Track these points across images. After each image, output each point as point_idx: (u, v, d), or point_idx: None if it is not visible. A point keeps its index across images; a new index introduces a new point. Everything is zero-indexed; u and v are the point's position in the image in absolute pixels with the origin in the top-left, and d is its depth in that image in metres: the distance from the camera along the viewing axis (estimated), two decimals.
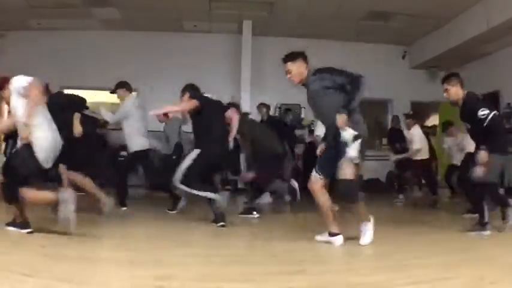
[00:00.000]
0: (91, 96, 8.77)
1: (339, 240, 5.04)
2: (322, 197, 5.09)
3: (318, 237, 5.24)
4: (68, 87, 10.33)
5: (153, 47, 13.46)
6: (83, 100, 7.23)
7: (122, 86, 8.07)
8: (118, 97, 8.11)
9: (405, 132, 10.32)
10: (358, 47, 13.69)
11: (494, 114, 5.60)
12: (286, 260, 4.50)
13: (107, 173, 8.56)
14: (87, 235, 5.44)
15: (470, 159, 6.52)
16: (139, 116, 7.87)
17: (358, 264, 4.35)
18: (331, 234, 5.06)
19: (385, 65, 13.66)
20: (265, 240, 5.56)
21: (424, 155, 9.62)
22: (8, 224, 5.15)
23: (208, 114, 6.52)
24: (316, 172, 5.13)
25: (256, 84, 12.76)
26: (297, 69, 5.69)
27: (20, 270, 3.56)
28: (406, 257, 4.58)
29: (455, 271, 4.02)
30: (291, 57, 5.69)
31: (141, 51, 13.22)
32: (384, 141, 13.03)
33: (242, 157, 9.71)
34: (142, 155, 7.80)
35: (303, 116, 13.30)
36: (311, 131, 11.18)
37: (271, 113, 11.55)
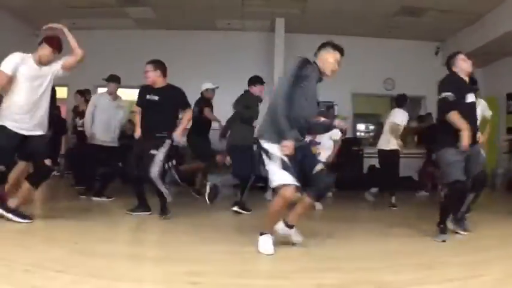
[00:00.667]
0: (126, 95, 8.86)
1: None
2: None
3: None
4: (102, 86, 10.43)
5: (186, 45, 13.58)
6: None
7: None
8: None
9: None
10: (391, 44, 13.57)
11: None
12: (318, 257, 4.51)
13: None
14: (120, 232, 5.53)
15: None
16: None
17: (391, 261, 4.34)
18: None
19: (418, 61, 13.53)
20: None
21: None
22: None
23: None
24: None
25: None
26: None
27: (53, 266, 3.62)
28: (439, 255, 4.58)
29: (487, 268, 4.02)
30: None
31: (174, 49, 13.28)
32: (417, 138, 12.90)
33: None
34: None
35: (336, 113, 13.25)
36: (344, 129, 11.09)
37: None
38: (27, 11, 11.99)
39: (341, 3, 11.37)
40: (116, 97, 8.48)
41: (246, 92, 7.80)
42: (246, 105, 7.54)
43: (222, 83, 9.16)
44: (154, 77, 6.81)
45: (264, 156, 4.55)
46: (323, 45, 5.08)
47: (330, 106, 11.66)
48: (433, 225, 5.48)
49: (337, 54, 5.07)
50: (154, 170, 6.31)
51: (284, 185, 4.36)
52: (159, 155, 6.37)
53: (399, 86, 13.55)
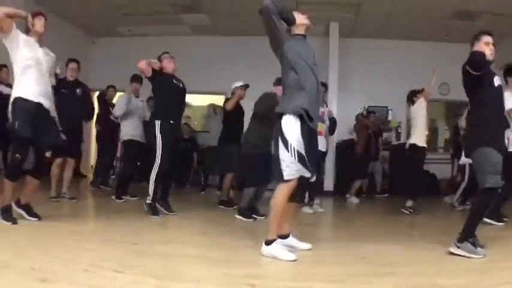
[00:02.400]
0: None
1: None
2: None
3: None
4: None
5: (242, 51, 13.68)
6: None
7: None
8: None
9: None
10: (445, 48, 13.29)
11: None
12: (373, 262, 4.50)
13: None
14: (176, 233, 5.62)
15: None
16: None
17: (446, 266, 4.30)
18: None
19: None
20: (349, 241, 5.58)
21: None
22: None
23: None
24: None
25: (344, 86, 12.70)
26: None
27: (112, 266, 3.69)
28: (490, 260, 4.51)
29: None
30: None
31: (229, 55, 13.44)
32: None
33: None
34: None
35: (390, 118, 13.15)
36: (398, 134, 10.97)
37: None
38: (84, 19, 12.30)
39: (395, 7, 11.27)
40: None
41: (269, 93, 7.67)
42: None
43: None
44: None
45: (280, 142, 4.46)
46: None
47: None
48: (482, 232, 5.39)
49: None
50: None
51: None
52: None
53: (454, 90, 13.36)
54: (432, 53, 13.23)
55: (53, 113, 5.57)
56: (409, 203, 8.32)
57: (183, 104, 7.31)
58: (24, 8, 5.38)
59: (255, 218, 6.98)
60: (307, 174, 4.50)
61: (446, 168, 11.63)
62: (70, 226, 5.34)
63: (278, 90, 7.40)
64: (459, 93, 12.05)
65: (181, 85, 7.13)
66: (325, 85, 8.22)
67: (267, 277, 3.78)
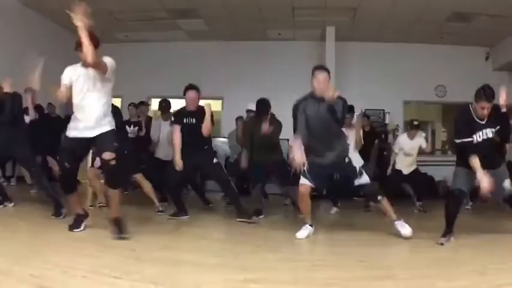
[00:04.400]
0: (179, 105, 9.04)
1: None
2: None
3: (299, 235, 5.80)
4: (156, 97, 10.65)
5: (238, 56, 13.72)
6: None
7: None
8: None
9: None
10: (442, 50, 13.36)
11: None
12: (373, 265, 4.52)
13: None
14: (176, 239, 5.62)
15: None
16: None
17: (445, 269, 4.30)
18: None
19: (469, 67, 13.20)
20: (348, 246, 5.58)
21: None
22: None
23: None
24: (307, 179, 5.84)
25: (340, 90, 12.56)
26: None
27: (110, 273, 3.69)
28: (490, 261, 4.52)
29: None
30: None
31: (226, 60, 13.47)
32: None
33: None
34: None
35: (387, 121, 13.15)
36: (396, 137, 10.94)
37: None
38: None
39: (391, 10, 11.30)
40: None
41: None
42: None
43: (273, 93, 9.16)
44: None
45: None
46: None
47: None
48: (481, 234, 5.47)
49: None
50: None
51: (301, 184, 5.81)
52: None
53: (450, 92, 13.41)
54: (428, 55, 13.30)
55: None
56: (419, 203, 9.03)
57: None
58: (12, 7, 5.41)
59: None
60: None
61: (444, 170, 11.62)
62: (69, 233, 5.34)
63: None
64: (455, 95, 12.17)
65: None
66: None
67: (267, 281, 3.77)
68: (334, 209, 8.63)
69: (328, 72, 5.76)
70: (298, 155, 5.48)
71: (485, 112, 5.44)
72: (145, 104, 10.60)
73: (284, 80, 12.74)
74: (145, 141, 9.08)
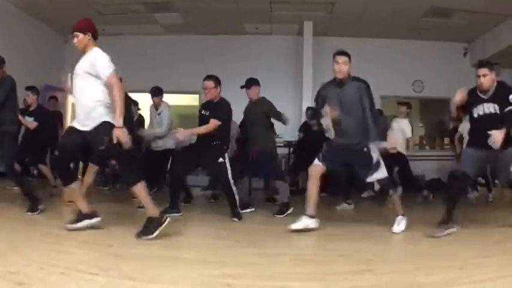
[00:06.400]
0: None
1: (314, 223, 5.85)
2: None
3: (293, 226, 5.76)
4: (132, 91, 10.53)
5: (215, 50, 13.64)
6: None
7: (162, 93, 8.77)
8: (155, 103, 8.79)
9: None
10: (419, 45, 13.43)
11: None
12: (352, 260, 4.52)
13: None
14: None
15: None
16: None
17: (425, 263, 4.31)
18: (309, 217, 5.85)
19: (447, 63, 13.33)
20: (329, 240, 5.58)
21: None
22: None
23: None
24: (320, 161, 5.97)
25: (318, 85, 12.63)
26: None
27: (88, 269, 3.66)
28: (470, 256, 4.57)
29: None
30: None
31: (203, 54, 13.37)
32: (446, 140, 12.82)
33: None
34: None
35: None
36: None
37: None
38: (56, 18, 12.14)
39: (369, 6, 11.31)
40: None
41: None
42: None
43: None
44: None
45: None
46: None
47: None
48: (465, 227, 5.50)
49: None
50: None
51: (313, 164, 5.93)
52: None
53: (428, 88, 13.48)
54: (406, 50, 13.37)
55: None
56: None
57: None
58: (7, 11, 5.36)
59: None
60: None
61: (420, 165, 11.69)
62: (47, 229, 5.28)
63: (252, 93, 7.55)
64: (433, 90, 12.21)
65: None
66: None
67: (244, 277, 3.75)
68: (343, 205, 8.37)
69: (349, 56, 5.93)
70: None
71: (483, 80, 5.60)
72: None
73: (261, 75, 12.65)
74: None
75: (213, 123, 6.79)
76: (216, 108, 6.94)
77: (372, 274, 3.92)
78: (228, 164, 6.87)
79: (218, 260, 4.34)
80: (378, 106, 13.42)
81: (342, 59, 5.84)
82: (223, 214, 7.13)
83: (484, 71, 5.59)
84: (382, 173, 5.86)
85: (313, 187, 5.92)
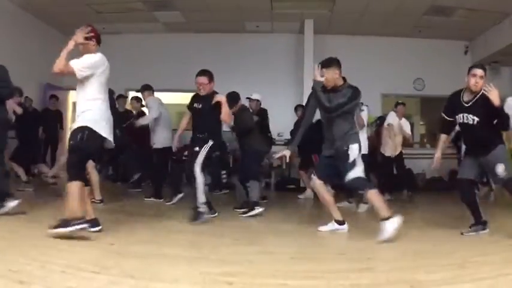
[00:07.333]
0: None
1: (344, 227, 5.83)
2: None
3: (322, 228, 5.84)
4: (133, 90, 10.55)
5: (216, 48, 13.63)
6: None
7: (148, 89, 8.80)
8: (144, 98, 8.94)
9: None
10: (421, 44, 13.43)
11: None
12: (352, 258, 4.53)
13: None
14: (154, 233, 5.56)
15: None
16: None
17: (424, 262, 4.30)
18: (338, 222, 5.84)
19: (448, 61, 13.29)
20: (329, 238, 5.58)
21: None
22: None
23: None
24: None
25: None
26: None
27: (89, 267, 3.65)
28: (470, 255, 4.55)
29: None
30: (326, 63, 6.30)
31: (204, 53, 13.34)
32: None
33: None
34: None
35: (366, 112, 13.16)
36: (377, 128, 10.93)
37: None
38: (56, 17, 12.13)
39: (370, 4, 11.31)
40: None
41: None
42: None
43: (252, 86, 9.14)
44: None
45: None
46: None
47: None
48: (465, 226, 5.52)
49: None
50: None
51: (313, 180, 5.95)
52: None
53: (429, 86, 13.46)
54: (407, 48, 13.36)
55: None
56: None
57: None
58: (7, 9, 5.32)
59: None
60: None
61: (422, 163, 11.70)
62: (44, 228, 5.25)
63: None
64: (434, 88, 12.19)
65: None
66: None
67: (245, 275, 3.75)
68: (344, 203, 8.23)
69: (338, 65, 6.38)
70: None
71: (474, 82, 5.57)
72: (123, 97, 10.67)
73: (262, 73, 12.70)
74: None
75: (220, 98, 6.96)
76: (207, 100, 7.01)
77: (371, 272, 3.93)
78: (202, 155, 6.58)
79: (219, 258, 4.35)
80: (378, 104, 13.54)
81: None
82: (223, 212, 7.16)
83: (481, 72, 5.55)
84: (355, 172, 5.58)
85: (324, 197, 5.90)
